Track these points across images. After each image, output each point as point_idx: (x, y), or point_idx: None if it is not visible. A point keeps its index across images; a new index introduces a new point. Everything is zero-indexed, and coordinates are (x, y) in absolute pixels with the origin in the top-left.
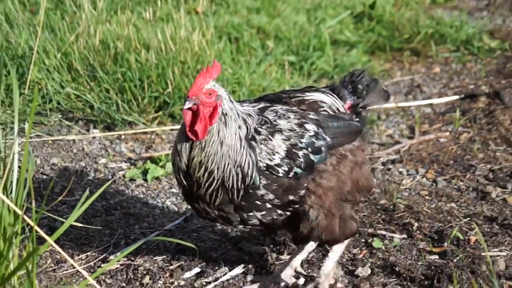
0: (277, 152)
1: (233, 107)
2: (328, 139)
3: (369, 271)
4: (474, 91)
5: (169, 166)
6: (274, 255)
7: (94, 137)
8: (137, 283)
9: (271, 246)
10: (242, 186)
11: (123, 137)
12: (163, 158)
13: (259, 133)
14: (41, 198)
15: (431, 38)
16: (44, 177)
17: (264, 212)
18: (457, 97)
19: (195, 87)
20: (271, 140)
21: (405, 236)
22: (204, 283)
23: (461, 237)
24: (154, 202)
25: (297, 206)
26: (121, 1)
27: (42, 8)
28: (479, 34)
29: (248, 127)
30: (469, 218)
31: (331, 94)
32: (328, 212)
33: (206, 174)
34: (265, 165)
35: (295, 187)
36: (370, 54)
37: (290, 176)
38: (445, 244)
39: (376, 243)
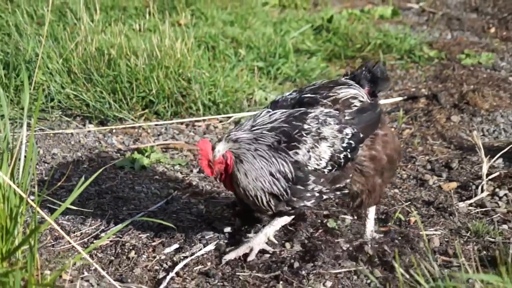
0: (323, 158)
1: (238, 145)
2: (361, 135)
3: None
4: (415, 94)
5: (153, 156)
6: (243, 233)
7: (89, 131)
8: (124, 257)
9: (240, 226)
10: (286, 187)
11: (114, 131)
12: (148, 149)
13: (305, 142)
14: (43, 183)
15: (379, 47)
16: (46, 165)
17: (313, 200)
18: (400, 98)
19: (208, 170)
20: (317, 147)
21: (355, 217)
22: (182, 258)
23: (402, 218)
24: (140, 187)
25: (345, 190)
26: (115, 15)
27: (47, 20)
28: (420, 45)
29: (265, 141)
30: (409, 202)
31: (354, 85)
32: (370, 188)
33: (252, 199)
34: (313, 168)
35: (339, 178)
36: (328, 61)
37: (333, 171)
38: (389, 224)
39: (330, 223)
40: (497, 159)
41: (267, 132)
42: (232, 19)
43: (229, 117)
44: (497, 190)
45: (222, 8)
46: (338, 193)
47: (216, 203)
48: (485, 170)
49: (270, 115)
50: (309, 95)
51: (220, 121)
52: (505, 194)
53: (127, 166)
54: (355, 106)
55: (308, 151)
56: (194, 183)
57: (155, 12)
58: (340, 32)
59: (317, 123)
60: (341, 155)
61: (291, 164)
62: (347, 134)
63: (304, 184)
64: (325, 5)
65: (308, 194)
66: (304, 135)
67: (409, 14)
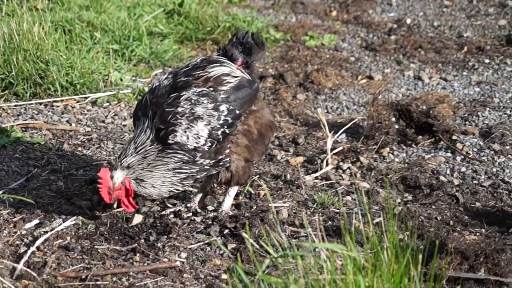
0: (202, 136)
1: (133, 170)
2: (237, 111)
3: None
4: (263, 74)
5: (13, 135)
6: (100, 208)
7: None
8: None
9: (98, 201)
10: (189, 170)
11: None
12: (9, 129)
13: (180, 124)
14: None
15: (228, 30)
16: None
17: (205, 172)
18: None
19: (106, 197)
20: (193, 127)
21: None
22: (42, 232)
23: (252, 191)
24: (0, 166)
25: (226, 164)
26: None
27: None
28: (266, 28)
29: (151, 154)
30: (258, 176)
31: (227, 63)
32: (244, 160)
33: (168, 194)
34: (193, 147)
35: (220, 150)
36: (180, 43)
37: (213, 146)
38: (240, 197)
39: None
40: (340, 134)
41: (150, 147)
42: (88, 4)
43: (86, 97)
44: (341, 163)
45: None
46: (221, 164)
47: (74, 179)
48: (329, 145)
49: (144, 127)
50: (182, 78)
51: (78, 101)
52: (348, 167)
53: None
54: (229, 82)
55: (185, 131)
56: (53, 160)
57: None
58: (191, 16)
59: (190, 104)
60: (219, 132)
61: (181, 150)
62: (222, 111)
63: (195, 161)
64: None
65: (198, 167)
66: (179, 117)
67: None
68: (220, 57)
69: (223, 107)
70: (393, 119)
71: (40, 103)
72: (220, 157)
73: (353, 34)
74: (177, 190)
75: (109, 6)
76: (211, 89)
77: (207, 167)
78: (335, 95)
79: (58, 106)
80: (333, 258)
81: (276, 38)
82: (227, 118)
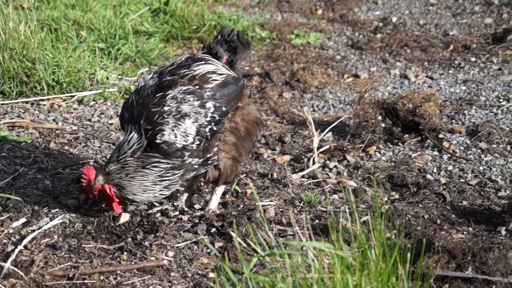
0: (190, 134)
1: (112, 177)
2: (224, 108)
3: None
4: (249, 72)
5: (0, 134)
6: (86, 206)
7: None
8: None
9: (85, 199)
10: (174, 177)
11: None
12: None
13: (167, 123)
14: None
15: (214, 28)
16: None
17: (194, 172)
18: None
19: (90, 193)
20: (181, 125)
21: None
22: (30, 231)
23: (239, 190)
24: None
25: (215, 162)
26: None
27: None
28: (252, 26)
29: (131, 165)
30: (245, 175)
31: (212, 60)
32: (231, 158)
33: (154, 199)
34: (181, 145)
35: (208, 148)
36: (166, 42)
37: (201, 144)
38: (227, 196)
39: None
40: (327, 133)
41: (130, 159)
42: (74, 2)
43: (73, 96)
44: (327, 162)
45: None
46: (209, 162)
47: (61, 178)
48: (316, 143)
49: (130, 136)
50: (167, 77)
51: (64, 100)
52: (335, 166)
53: None
54: (215, 80)
55: (173, 130)
56: (39, 159)
57: None
58: (177, 15)
59: (176, 103)
60: (207, 129)
61: (164, 158)
62: (209, 108)
63: (183, 161)
64: None
65: (190, 167)
66: (165, 116)
67: None
68: (205, 55)
69: (209, 104)
70: (380, 117)
71: (27, 102)
72: (208, 156)
73: (339, 32)
74: (163, 195)
75: (95, 4)
76: (197, 87)
77: (196, 166)
78: (321, 93)
79: (44, 105)
80: (321, 256)
81: (262, 36)
82: (214, 115)
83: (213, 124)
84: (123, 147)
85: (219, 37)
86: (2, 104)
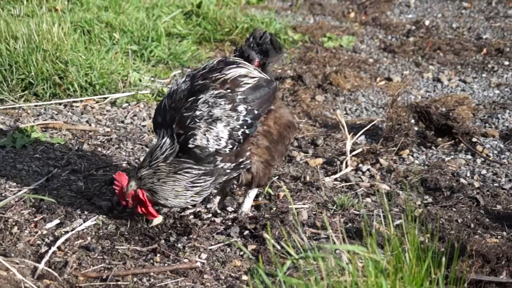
0: (222, 137)
1: (144, 182)
2: (256, 111)
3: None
4: (282, 75)
5: (34, 135)
6: (120, 208)
7: None
8: (7, 233)
9: (117, 201)
10: (206, 183)
11: None
12: (29, 129)
13: (199, 127)
14: None
15: (246, 31)
16: None
17: (226, 176)
18: None
19: (123, 199)
20: (213, 129)
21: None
22: (63, 232)
23: (272, 193)
24: (21, 166)
25: (247, 163)
26: None
27: None
28: (285, 29)
29: (163, 170)
30: (278, 178)
31: (244, 63)
32: (264, 161)
33: (185, 205)
34: (214, 149)
35: (241, 153)
36: (198, 44)
37: (234, 149)
38: (260, 199)
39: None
40: (359, 136)
41: (162, 164)
42: (107, 5)
43: (105, 98)
44: (360, 165)
45: None
46: (242, 166)
47: (94, 179)
48: (348, 146)
49: (162, 141)
50: (200, 82)
51: (97, 102)
52: (368, 169)
53: (9, 145)
54: (246, 83)
55: (204, 134)
56: (73, 161)
57: None
58: (209, 17)
59: (207, 107)
60: (239, 132)
61: (196, 165)
62: (241, 112)
63: (215, 166)
64: None
65: (222, 172)
66: (197, 121)
67: (274, 0)
68: (237, 58)
69: (241, 107)
70: (413, 121)
71: (60, 103)
72: (241, 160)
73: (371, 35)
74: (195, 201)
75: (127, 7)
76: (229, 90)
77: (228, 171)
78: (354, 96)
79: (77, 107)
80: (354, 260)
81: (294, 39)
82: (246, 118)
83: (245, 127)
84: (155, 152)
85: (251, 39)
86: (35, 105)
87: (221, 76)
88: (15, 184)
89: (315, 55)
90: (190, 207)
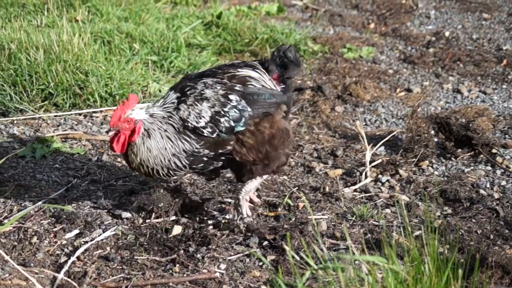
0: (203, 117)
1: (153, 120)
2: (249, 109)
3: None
4: (301, 85)
5: (53, 145)
6: (141, 219)
7: None
8: (27, 242)
9: (138, 212)
10: (186, 162)
11: (15, 122)
12: (49, 139)
13: (186, 101)
14: None
15: (266, 42)
16: None
17: (202, 164)
18: None
19: (114, 118)
20: (197, 105)
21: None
22: (82, 242)
23: (291, 203)
24: (41, 176)
25: (228, 156)
26: (15, 11)
27: None
28: (305, 40)
29: (175, 122)
30: (297, 188)
31: (260, 70)
32: (259, 161)
33: (147, 170)
34: (192, 126)
35: (222, 143)
36: (218, 55)
37: (213, 136)
38: (279, 209)
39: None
40: (379, 147)
41: (173, 111)
42: (127, 15)
43: None
44: (379, 176)
45: (117, 5)
46: (222, 158)
47: (114, 190)
48: (368, 157)
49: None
50: (213, 69)
51: None
52: (387, 180)
53: (28, 155)
54: (251, 85)
55: (188, 107)
56: (92, 171)
57: (53, 9)
58: (229, 28)
59: (203, 86)
60: (222, 120)
61: (195, 141)
62: (231, 101)
63: (193, 147)
64: (214, 2)
65: (199, 158)
66: (189, 94)
67: (294, 10)
68: (258, 64)
69: (233, 97)
70: (432, 132)
71: (80, 114)
72: (220, 151)
73: (391, 46)
74: (171, 168)
75: (147, 17)
76: (232, 83)
77: (205, 159)
78: (374, 107)
79: (97, 117)
80: (374, 271)
81: (314, 50)
82: (234, 110)
83: (230, 118)
84: (169, 97)
85: (275, 53)
86: (55, 116)
87: (233, 71)
88: (34, 194)
89: (335, 66)
90: (210, 217)
